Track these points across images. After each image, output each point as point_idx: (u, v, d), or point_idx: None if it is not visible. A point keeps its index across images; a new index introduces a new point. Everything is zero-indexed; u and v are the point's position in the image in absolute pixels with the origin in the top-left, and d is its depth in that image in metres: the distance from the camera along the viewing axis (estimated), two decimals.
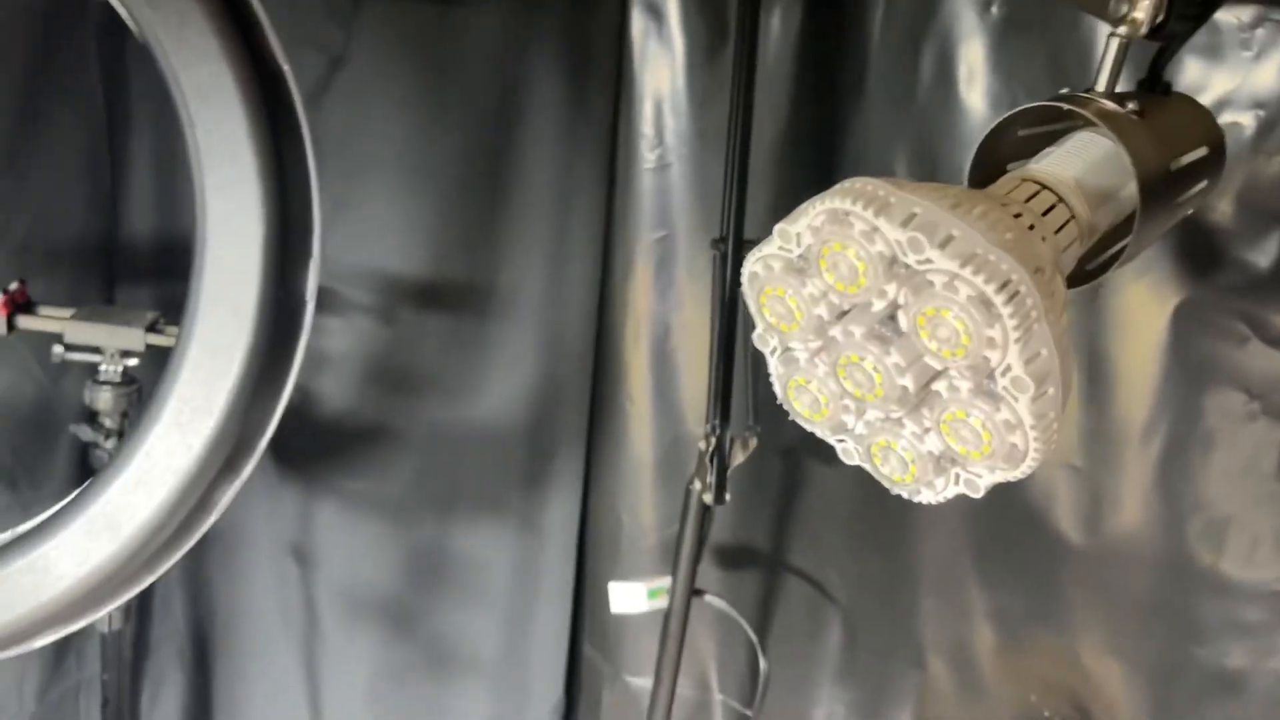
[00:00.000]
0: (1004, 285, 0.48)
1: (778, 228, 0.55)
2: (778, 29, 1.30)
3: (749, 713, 1.53)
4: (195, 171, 0.84)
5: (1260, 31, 1.02)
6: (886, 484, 0.58)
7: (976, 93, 1.18)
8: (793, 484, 1.45)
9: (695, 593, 1.27)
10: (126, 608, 1.31)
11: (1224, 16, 1.02)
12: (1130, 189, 0.62)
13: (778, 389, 0.60)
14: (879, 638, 1.44)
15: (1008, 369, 0.50)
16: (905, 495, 0.58)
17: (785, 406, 0.60)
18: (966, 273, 0.48)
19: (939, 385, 0.54)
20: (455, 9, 1.36)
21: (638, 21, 1.33)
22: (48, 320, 1.21)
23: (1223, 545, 1.18)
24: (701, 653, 1.55)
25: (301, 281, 0.88)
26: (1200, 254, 1.11)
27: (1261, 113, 1.03)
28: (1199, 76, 1.04)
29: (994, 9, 1.16)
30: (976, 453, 0.52)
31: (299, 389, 1.50)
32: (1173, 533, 1.19)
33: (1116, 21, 0.63)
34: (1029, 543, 1.27)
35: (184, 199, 1.45)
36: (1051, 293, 0.51)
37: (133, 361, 1.22)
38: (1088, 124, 0.65)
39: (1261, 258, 1.07)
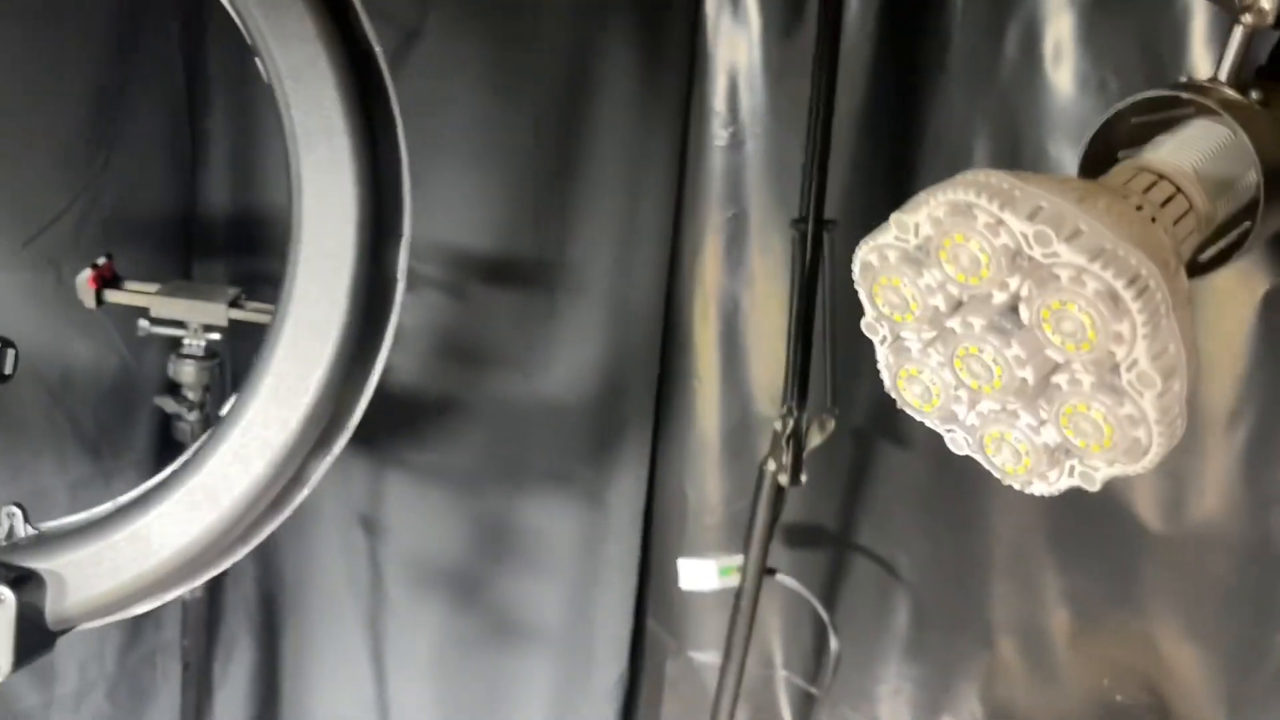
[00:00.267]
0: (1133, 280, 0.48)
1: (894, 217, 0.55)
2: (856, 4, 1.28)
3: (814, 690, 1.54)
4: (290, 152, 0.85)
5: None
6: (998, 474, 0.58)
7: (1064, 72, 1.15)
8: (863, 464, 1.45)
9: (767, 571, 1.27)
10: None
11: None
12: (1249, 178, 0.61)
13: (886, 378, 0.60)
14: (948, 617, 1.43)
15: (1134, 364, 0.50)
16: (1017, 486, 0.58)
17: (894, 395, 0.60)
18: (1095, 267, 0.48)
19: (1059, 378, 0.53)
20: None
21: None
22: (134, 295, 1.23)
23: None
24: (767, 629, 1.55)
25: (393, 260, 0.89)
26: None
27: None
28: None
29: None
30: (1097, 446, 0.52)
31: None
32: (1256, 520, 1.17)
33: (1241, 10, 0.61)
34: (1105, 527, 1.26)
35: (260, 176, 1.47)
36: (1177, 286, 0.50)
37: (215, 336, 1.25)
38: (1203, 111, 0.63)
39: None
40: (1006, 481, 0.58)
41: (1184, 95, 0.62)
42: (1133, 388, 0.50)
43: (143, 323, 1.24)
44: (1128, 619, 1.28)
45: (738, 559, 1.27)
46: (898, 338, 0.59)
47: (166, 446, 1.46)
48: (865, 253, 0.57)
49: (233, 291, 1.24)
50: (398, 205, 0.89)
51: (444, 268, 1.47)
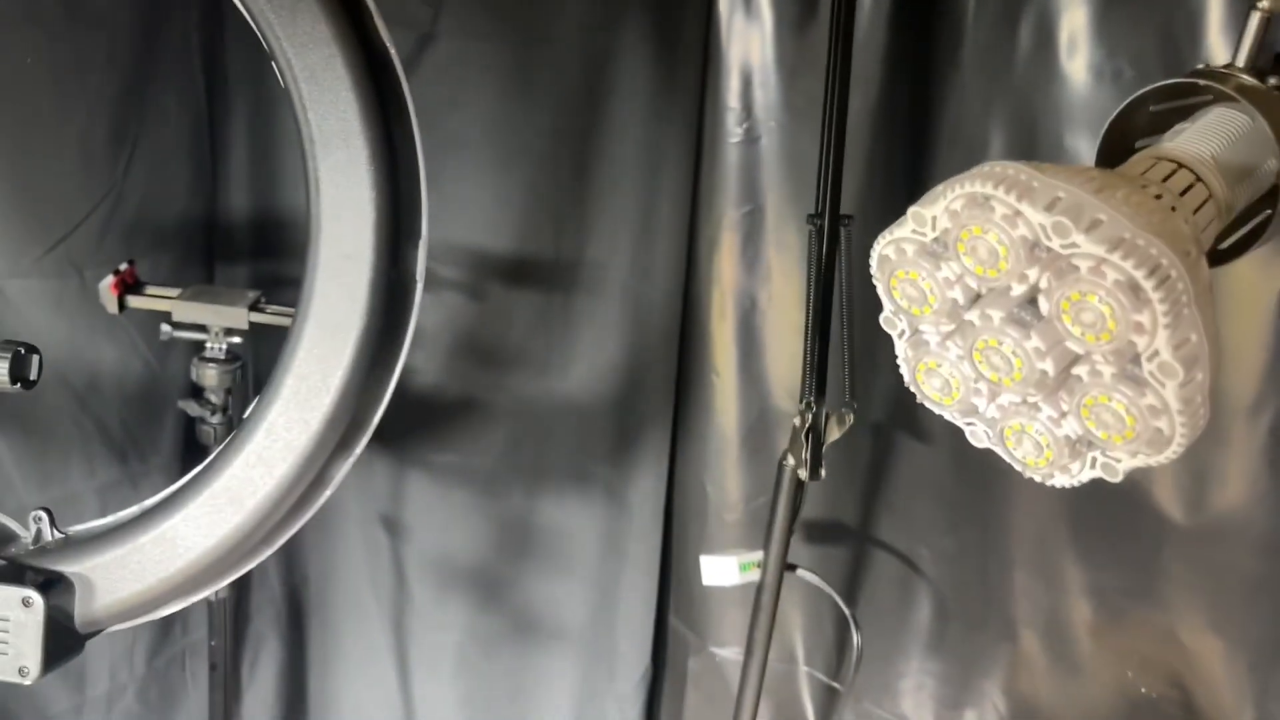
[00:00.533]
0: (1154, 270, 0.48)
1: (912, 211, 0.55)
2: None
3: (836, 685, 1.54)
4: (308, 155, 0.85)
5: None
6: (1019, 467, 0.58)
7: (1078, 63, 1.15)
8: (882, 459, 1.45)
9: (788, 567, 1.27)
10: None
11: None
12: (1269, 165, 0.61)
13: (905, 372, 0.60)
14: (969, 611, 1.43)
15: (1155, 354, 0.50)
16: (1038, 479, 0.58)
17: (913, 389, 0.60)
18: (1115, 258, 0.48)
19: (1079, 369, 0.53)
20: None
21: None
22: (156, 300, 1.24)
23: None
24: (788, 625, 1.55)
25: (411, 260, 0.90)
26: None
27: None
28: None
29: None
30: (1119, 437, 0.52)
31: None
32: None
33: None
34: (1127, 519, 1.25)
35: (280, 180, 1.48)
36: (1198, 275, 0.50)
37: (236, 339, 1.26)
38: (1221, 98, 0.63)
39: None
40: (1027, 475, 0.58)
41: (1201, 83, 0.62)
42: (1154, 378, 0.50)
43: (165, 327, 1.25)
44: (1151, 612, 1.28)
45: (758, 555, 1.27)
46: (916, 331, 0.58)
47: (192, 449, 1.47)
48: (883, 246, 0.57)
49: (253, 295, 1.25)
50: (415, 206, 0.90)
51: (463, 269, 1.48)
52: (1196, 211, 0.57)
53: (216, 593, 1.37)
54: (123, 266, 1.25)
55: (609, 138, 1.44)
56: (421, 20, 1.38)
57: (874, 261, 0.57)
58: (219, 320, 1.25)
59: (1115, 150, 0.66)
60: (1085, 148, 1.17)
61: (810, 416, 1.17)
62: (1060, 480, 0.57)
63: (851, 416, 1.18)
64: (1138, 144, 0.66)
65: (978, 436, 0.60)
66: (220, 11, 1.41)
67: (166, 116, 1.40)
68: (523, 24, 1.38)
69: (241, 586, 1.67)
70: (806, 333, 1.14)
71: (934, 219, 0.54)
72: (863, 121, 1.29)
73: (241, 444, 0.87)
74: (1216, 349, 0.51)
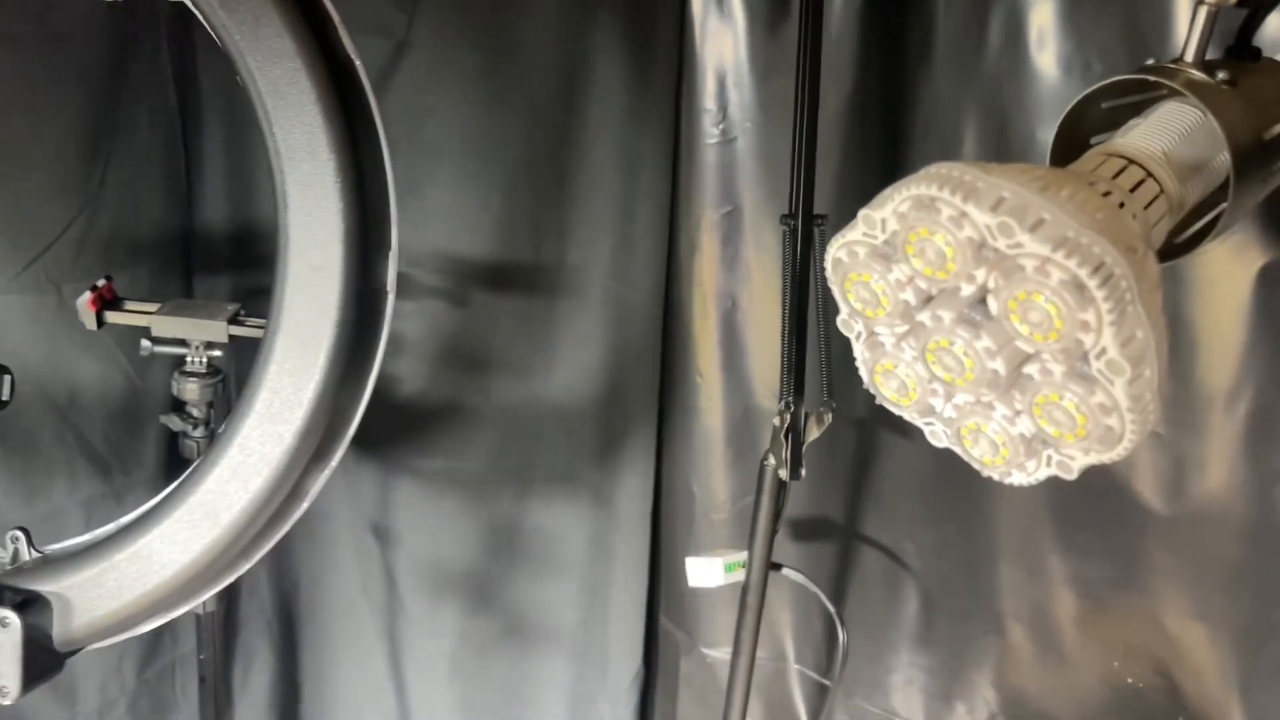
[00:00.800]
0: (1097, 268, 0.48)
1: (862, 214, 0.55)
2: None
3: (827, 682, 1.54)
4: (275, 168, 0.86)
5: None
6: (976, 466, 0.58)
7: (1048, 56, 1.15)
8: (866, 455, 1.45)
9: (773, 566, 1.28)
10: (220, 592, 1.35)
11: None
12: (1221, 159, 0.61)
13: (864, 374, 0.60)
14: (957, 605, 1.43)
15: (1102, 352, 0.50)
16: (996, 477, 0.58)
17: (872, 391, 0.60)
18: (1059, 256, 0.48)
19: (1030, 369, 0.53)
20: None
21: None
22: (134, 315, 1.24)
23: None
24: (778, 624, 1.56)
25: (382, 271, 0.90)
26: None
27: None
28: None
29: None
30: (1070, 435, 0.52)
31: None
32: (1260, 498, 1.17)
33: None
34: (1110, 509, 1.25)
35: (256, 191, 1.48)
36: (1145, 271, 0.50)
37: (216, 353, 1.26)
38: (1175, 94, 0.63)
39: None
40: (985, 473, 0.58)
41: (1151, 78, 0.62)
42: (1103, 376, 0.50)
43: (145, 342, 1.25)
44: (1135, 601, 1.28)
45: (743, 555, 1.28)
46: (872, 333, 0.59)
47: (176, 463, 1.47)
48: (835, 249, 0.57)
49: (232, 308, 1.25)
50: (384, 217, 0.90)
51: (445, 276, 1.48)
52: (1147, 207, 0.57)
53: (204, 605, 1.37)
54: (100, 282, 1.25)
55: (586, 141, 1.44)
56: (396, 27, 1.38)
57: (828, 264, 0.58)
58: (198, 334, 1.25)
59: (1070, 147, 0.66)
60: None
61: (789, 416, 1.17)
62: (1018, 479, 0.57)
63: (830, 415, 1.18)
64: (1092, 140, 0.66)
65: (936, 436, 0.60)
66: (192, 24, 1.41)
67: (139, 129, 1.40)
68: (497, 29, 1.38)
69: (230, 598, 1.67)
70: (783, 333, 1.14)
71: (883, 221, 0.54)
72: (836, 120, 1.29)
73: (216, 459, 0.87)
74: (1164, 345, 0.51)
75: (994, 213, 0.50)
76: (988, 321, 0.53)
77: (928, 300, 0.55)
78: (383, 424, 1.58)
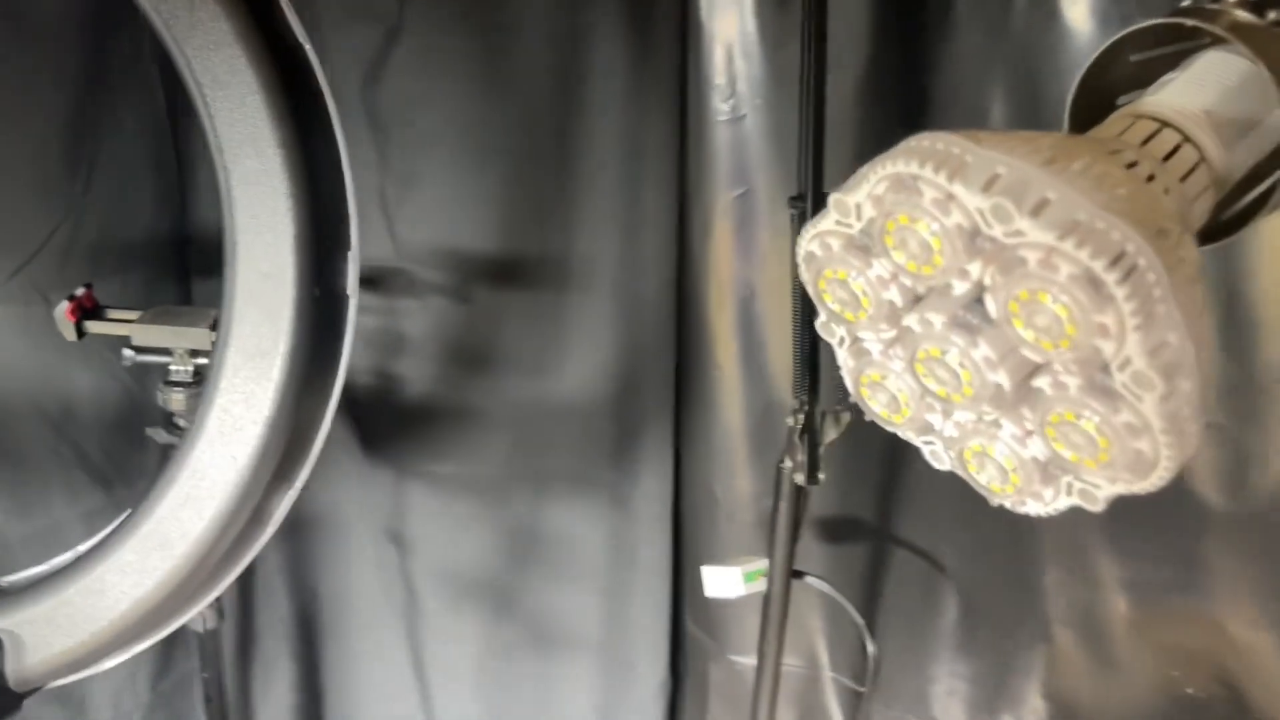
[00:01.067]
0: (1117, 259, 0.38)
1: (833, 198, 0.45)
2: None
3: (863, 690, 1.46)
4: (218, 165, 0.78)
5: None
6: (985, 494, 0.49)
7: (1080, 10, 1.04)
8: (897, 449, 1.35)
9: (795, 574, 1.19)
10: (219, 606, 1.30)
11: None
12: (1277, 117, 0.51)
13: (849, 385, 0.51)
14: (1000, 611, 1.34)
15: (1126, 362, 0.40)
16: (1008, 506, 0.49)
17: (860, 405, 0.51)
18: (1067, 246, 0.38)
19: (1040, 381, 0.44)
20: None
21: None
22: (115, 324, 1.19)
23: None
24: (809, 630, 1.47)
25: (340, 275, 0.82)
26: None
27: None
28: None
29: None
30: (1091, 461, 0.43)
31: (380, 374, 1.49)
32: None
33: None
34: (1165, 507, 1.14)
35: None
36: (1180, 259, 0.41)
37: (203, 361, 1.19)
38: (1217, 41, 0.53)
39: None
40: (995, 502, 0.49)
41: (1188, 22, 0.52)
42: (1129, 390, 0.41)
43: (127, 352, 1.19)
44: (1195, 606, 1.18)
45: (763, 562, 1.19)
46: (856, 339, 0.49)
47: None
48: (807, 242, 0.48)
49: (215, 313, 1.19)
50: (341, 217, 0.82)
51: (447, 272, 1.42)
52: (1185, 179, 0.47)
53: (204, 623, 1.32)
54: (79, 291, 1.19)
55: (588, 125, 1.37)
56: (387, 12, 1.32)
57: (800, 259, 0.48)
58: (181, 342, 1.19)
59: (1093, 110, 0.56)
60: None
61: (804, 417, 1.08)
62: (1034, 508, 0.48)
63: (849, 415, 1.08)
64: (1119, 101, 0.56)
65: (938, 457, 0.51)
66: None
67: (124, 130, 1.35)
68: (491, 9, 1.31)
69: (245, 609, 1.64)
70: (795, 326, 1.05)
71: (858, 207, 0.45)
72: (851, 92, 1.19)
73: (167, 485, 0.80)
74: (1208, 347, 0.41)
75: (987, 193, 0.40)
76: (987, 325, 0.43)
77: (916, 300, 0.46)
78: (392, 428, 1.53)
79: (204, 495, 0.80)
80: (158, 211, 1.43)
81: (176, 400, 1.21)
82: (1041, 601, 1.29)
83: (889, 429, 0.51)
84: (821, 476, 1.10)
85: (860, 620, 1.20)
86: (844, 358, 0.50)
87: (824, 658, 1.49)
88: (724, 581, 1.21)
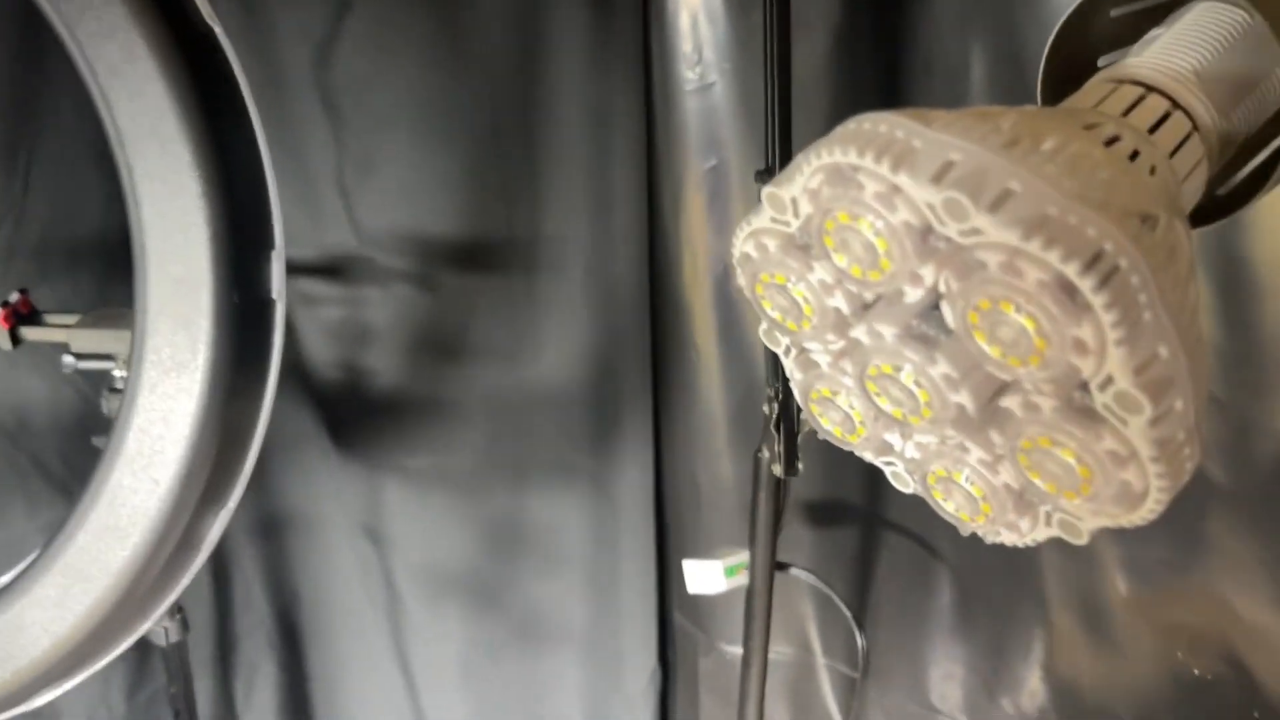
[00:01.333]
0: (1093, 261, 0.32)
1: (766, 191, 0.39)
2: None
3: (856, 674, 1.41)
4: (119, 163, 0.72)
5: None
6: (954, 522, 0.43)
7: None
8: None
9: (779, 566, 1.13)
10: (182, 619, 1.25)
11: None
12: (1277, 76, 0.44)
13: (799, 399, 0.45)
14: (997, 593, 1.28)
15: (1108, 381, 0.34)
16: (981, 535, 0.43)
17: (810, 423, 0.45)
18: (1033, 247, 0.32)
19: (1009, 401, 0.37)
20: None
21: None
22: (52, 330, 1.12)
23: None
24: (801, 617, 1.42)
25: (265, 277, 0.76)
26: None
27: None
28: None
29: None
30: (1071, 493, 0.36)
31: (347, 367, 1.43)
32: None
33: None
34: None
35: None
36: (1170, 252, 0.34)
37: None
38: None
39: None
40: (966, 531, 0.43)
41: None
42: (1112, 413, 0.34)
43: (66, 359, 1.13)
44: (1199, 585, 1.12)
45: (745, 555, 1.13)
46: (803, 349, 0.43)
47: None
48: (742, 241, 0.41)
49: None
50: (263, 213, 0.76)
51: (410, 258, 1.37)
52: (1174, 153, 0.41)
53: (166, 637, 1.27)
54: (13, 296, 1.12)
55: (551, 99, 1.31)
56: None
57: (735, 260, 0.42)
58: (123, 346, 1.12)
59: (1070, 75, 0.49)
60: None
61: (778, 406, 1.02)
62: (1010, 539, 0.42)
63: None
64: (1100, 62, 0.49)
65: (901, 479, 0.44)
66: None
67: (64, 123, 1.28)
68: None
69: (222, 614, 1.59)
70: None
71: (794, 202, 0.38)
72: (823, 57, 1.12)
73: (84, 514, 0.74)
74: (1203, 355, 0.35)
75: (938, 185, 0.33)
76: (945, 338, 0.37)
77: (866, 307, 0.39)
78: (363, 422, 1.48)
79: (125, 523, 0.74)
80: (107, 206, 1.37)
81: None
82: (1039, 583, 1.24)
83: (845, 448, 0.45)
84: (800, 466, 1.04)
85: (848, 611, 1.15)
86: (791, 369, 0.44)
87: (817, 645, 1.44)
88: (705, 577, 1.15)
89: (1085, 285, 0.32)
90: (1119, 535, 1.15)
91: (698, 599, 1.47)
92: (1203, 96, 0.42)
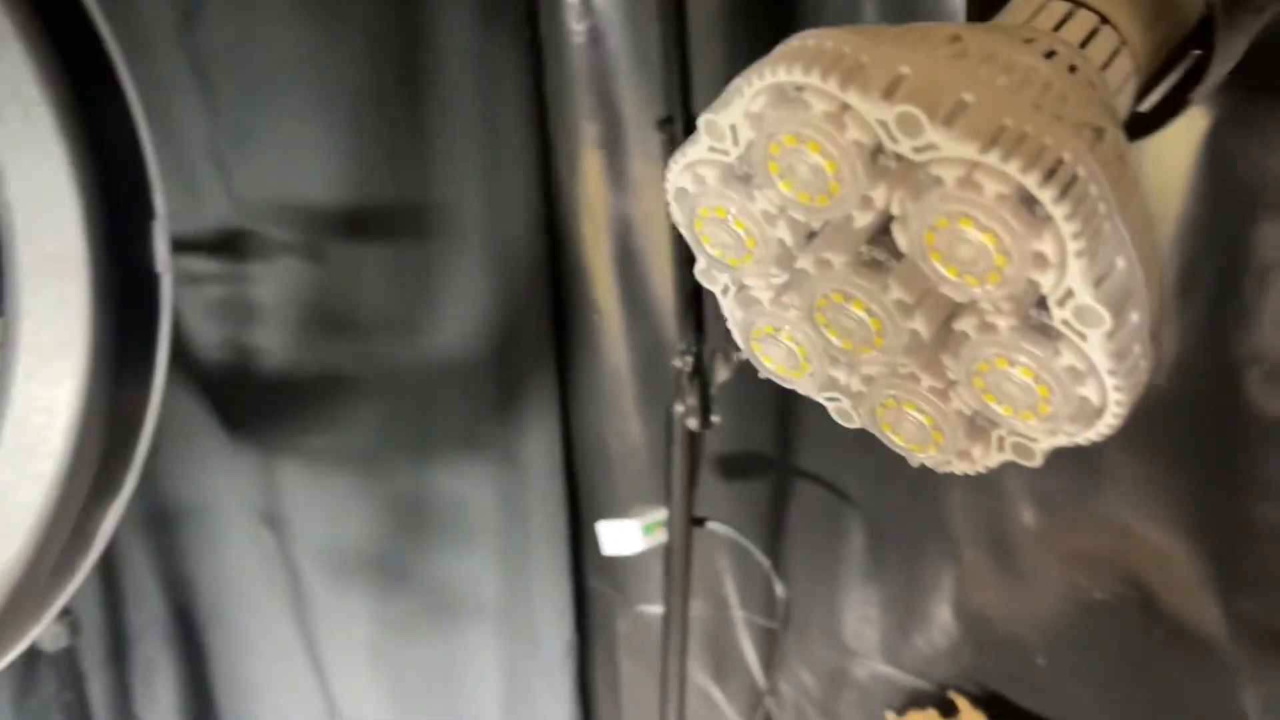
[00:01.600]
0: (1053, 170, 0.31)
1: (703, 119, 0.37)
2: None
3: (775, 626, 1.42)
4: None
5: None
6: (905, 454, 0.42)
7: None
8: None
9: (696, 522, 1.13)
10: (72, 621, 1.18)
11: None
12: None
13: (739, 339, 0.43)
14: (906, 534, 1.30)
15: (1068, 295, 0.33)
16: (931, 466, 0.42)
17: (752, 361, 0.43)
18: (993, 159, 0.31)
19: (964, 323, 0.37)
20: None
21: None
22: None
23: None
24: (716, 571, 1.43)
25: (147, 250, 0.71)
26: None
27: None
28: None
29: None
30: (1029, 413, 0.36)
31: (234, 347, 1.36)
32: (1226, 388, 1.03)
33: None
34: None
35: None
36: (1121, 163, 0.34)
37: None
38: None
39: None
40: (916, 462, 0.42)
41: None
42: (1070, 328, 0.34)
43: None
44: (1098, 511, 1.15)
45: (662, 513, 1.13)
46: (742, 286, 0.42)
47: None
48: (677, 174, 0.39)
49: None
50: (141, 180, 0.70)
51: (296, 229, 1.30)
52: (1106, 67, 0.40)
53: (54, 642, 1.21)
54: None
55: (436, 55, 1.26)
56: None
57: (670, 196, 0.40)
58: None
59: None
60: None
61: (692, 359, 1.01)
62: (961, 467, 0.41)
63: (740, 354, 1.01)
64: None
65: (845, 415, 0.44)
66: None
67: None
68: None
69: (114, 614, 1.52)
70: (674, 263, 0.97)
71: (733, 129, 0.36)
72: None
73: None
74: (1158, 266, 0.34)
75: (889, 100, 0.32)
76: (896, 262, 0.35)
77: (811, 236, 0.38)
78: (254, 404, 1.42)
79: (10, 522, 0.69)
80: None
81: None
82: (947, 520, 1.26)
83: (786, 386, 0.44)
84: (716, 419, 1.04)
85: (767, 562, 1.15)
86: (730, 308, 0.42)
87: (733, 598, 1.45)
88: (622, 537, 1.14)
89: (1046, 196, 0.31)
90: (1023, 468, 1.18)
91: (613, 561, 1.47)
92: (1128, 10, 0.42)
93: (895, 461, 1.24)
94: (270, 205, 1.29)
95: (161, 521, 1.44)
